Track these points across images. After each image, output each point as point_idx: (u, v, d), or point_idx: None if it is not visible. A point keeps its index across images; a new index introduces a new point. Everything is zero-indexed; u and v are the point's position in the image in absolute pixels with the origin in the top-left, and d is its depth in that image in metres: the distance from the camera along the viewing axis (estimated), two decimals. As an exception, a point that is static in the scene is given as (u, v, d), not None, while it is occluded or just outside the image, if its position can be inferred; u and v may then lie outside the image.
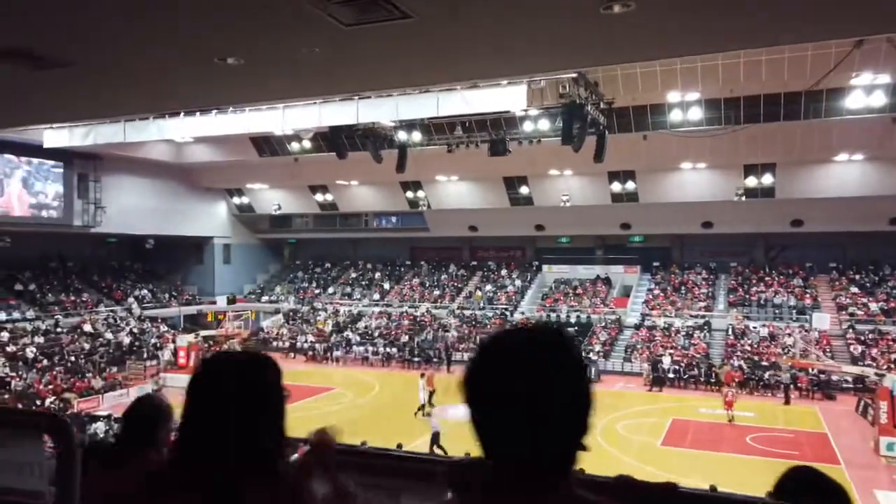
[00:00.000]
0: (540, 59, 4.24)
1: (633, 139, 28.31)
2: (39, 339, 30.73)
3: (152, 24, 3.96)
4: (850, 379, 27.01)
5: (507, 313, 38.00)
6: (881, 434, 19.57)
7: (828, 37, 6.85)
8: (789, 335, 30.84)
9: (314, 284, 45.71)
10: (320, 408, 25.26)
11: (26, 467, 1.89)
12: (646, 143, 28.97)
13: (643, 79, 24.50)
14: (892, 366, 26.40)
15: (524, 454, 1.15)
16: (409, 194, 39.17)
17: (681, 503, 1.80)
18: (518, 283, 40.96)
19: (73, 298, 36.22)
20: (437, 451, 18.38)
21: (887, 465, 18.75)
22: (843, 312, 32.15)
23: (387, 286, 43.57)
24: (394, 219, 44.74)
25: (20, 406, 22.79)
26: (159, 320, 37.84)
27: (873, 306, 32.17)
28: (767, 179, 31.42)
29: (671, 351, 30.84)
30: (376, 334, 37.32)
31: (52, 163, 33.30)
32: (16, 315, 32.29)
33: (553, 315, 36.52)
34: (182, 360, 29.61)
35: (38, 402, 23.97)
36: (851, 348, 29.48)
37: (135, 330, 34.98)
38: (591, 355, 31.81)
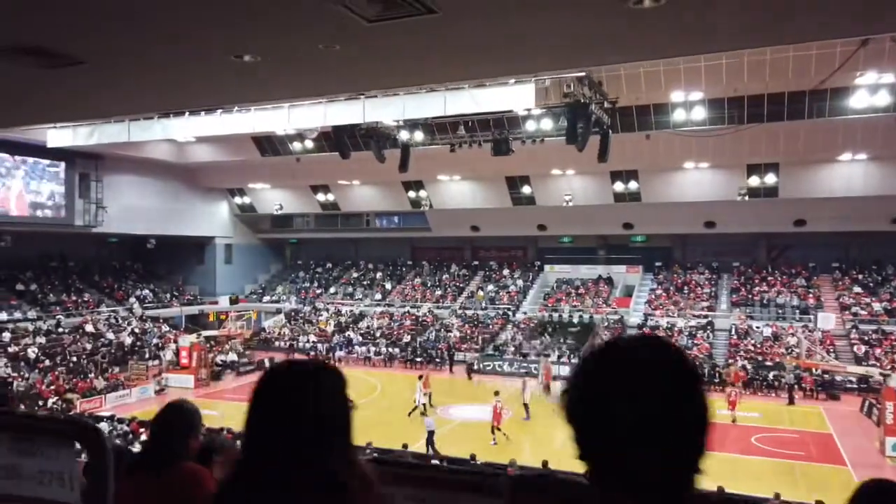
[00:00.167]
0: (566, 56, 4.17)
1: (635, 139, 28.24)
2: (41, 340, 30.65)
3: (166, 21, 3.88)
4: (853, 379, 26.95)
5: (509, 313, 37.92)
6: (887, 434, 19.51)
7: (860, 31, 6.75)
8: (793, 335, 30.78)
9: (315, 284, 45.64)
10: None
11: (57, 477, 1.82)
12: (648, 142, 28.91)
13: (647, 78, 24.45)
14: (897, 366, 26.34)
15: (640, 480, 1.06)
16: (412, 194, 39.10)
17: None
18: (520, 282, 40.89)
19: (74, 298, 36.14)
20: (431, 450, 18.40)
21: (893, 465, 18.68)
22: (847, 312, 32.07)
23: (388, 286, 43.50)
24: (395, 218, 44.69)
25: (23, 407, 22.73)
26: (161, 320, 37.76)
27: (876, 306, 32.11)
28: (770, 179, 31.36)
29: (674, 351, 30.74)
30: (378, 334, 37.24)
31: (53, 162, 33.23)
32: (17, 315, 32.21)
33: (556, 315, 36.43)
34: (184, 361, 29.49)
35: (41, 403, 23.90)
36: (855, 348, 29.42)
37: (136, 330, 34.91)
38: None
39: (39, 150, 31.29)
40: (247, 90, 5.63)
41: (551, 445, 20.59)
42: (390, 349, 34.86)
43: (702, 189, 32.86)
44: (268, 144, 34.41)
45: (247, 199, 44.18)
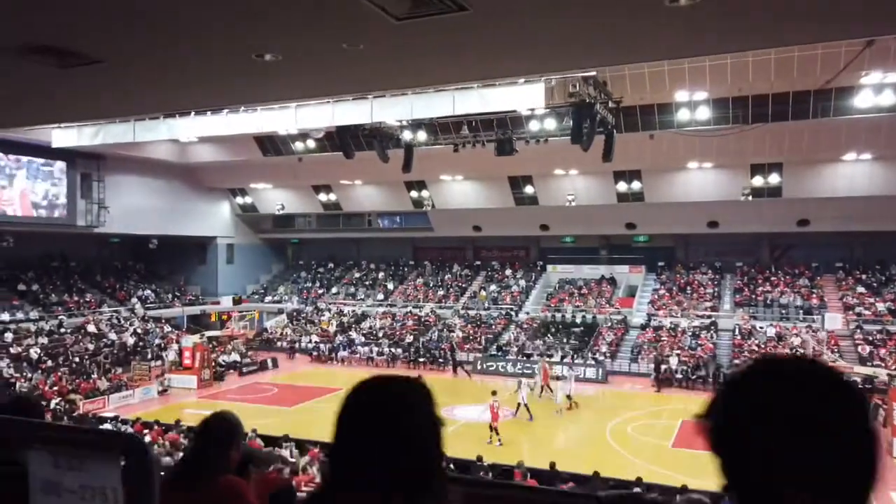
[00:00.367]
0: (596, 53, 4.10)
1: (639, 139, 28.18)
2: (43, 340, 30.58)
3: (187, 20, 3.81)
4: (858, 379, 26.85)
5: (512, 313, 37.86)
6: (894, 435, 19.44)
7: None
8: (797, 335, 30.72)
9: (317, 284, 45.57)
10: (327, 409, 25.10)
11: (100, 493, 1.74)
12: (652, 142, 28.85)
13: (651, 78, 24.39)
14: (902, 366, 26.27)
15: None
16: (414, 194, 39.03)
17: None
18: (522, 282, 40.81)
19: (76, 299, 36.06)
20: None
21: (900, 466, 18.58)
22: (850, 312, 32.00)
23: (390, 286, 43.43)
24: (397, 218, 44.63)
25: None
26: (163, 321, 37.70)
27: (880, 306, 32.03)
28: (774, 179, 31.29)
29: (678, 351, 30.71)
30: (381, 334, 37.16)
31: (55, 162, 33.17)
32: (19, 315, 32.14)
33: (558, 315, 36.37)
34: (187, 361, 29.41)
35: (44, 403, 23.81)
36: (859, 349, 29.34)
37: (139, 330, 34.84)
38: (597, 356, 31.72)
39: (41, 150, 31.25)
40: (266, 90, 5.56)
41: (551, 446, 20.56)
42: (393, 349, 34.78)
43: (705, 189, 32.81)
44: (270, 144, 34.34)
45: (248, 199, 44.11)
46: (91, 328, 33.14)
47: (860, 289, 33.71)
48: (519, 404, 23.21)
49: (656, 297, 36.78)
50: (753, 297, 35.13)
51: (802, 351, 28.78)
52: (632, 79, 24.18)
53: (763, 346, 30.66)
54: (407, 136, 26.08)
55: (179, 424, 19.17)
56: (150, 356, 32.24)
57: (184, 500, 2.22)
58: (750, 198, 32.08)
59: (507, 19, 3.47)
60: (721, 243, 37.92)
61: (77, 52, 4.04)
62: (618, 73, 23.25)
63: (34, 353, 28.87)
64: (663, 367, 29.03)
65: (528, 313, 37.66)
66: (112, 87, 4.97)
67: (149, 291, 40.28)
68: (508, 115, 25.49)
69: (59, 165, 33.39)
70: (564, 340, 33.75)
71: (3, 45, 3.83)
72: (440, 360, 33.24)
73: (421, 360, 33.46)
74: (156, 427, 18.80)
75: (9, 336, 29.60)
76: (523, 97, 18.99)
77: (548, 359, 30.76)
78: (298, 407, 25.39)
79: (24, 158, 31.94)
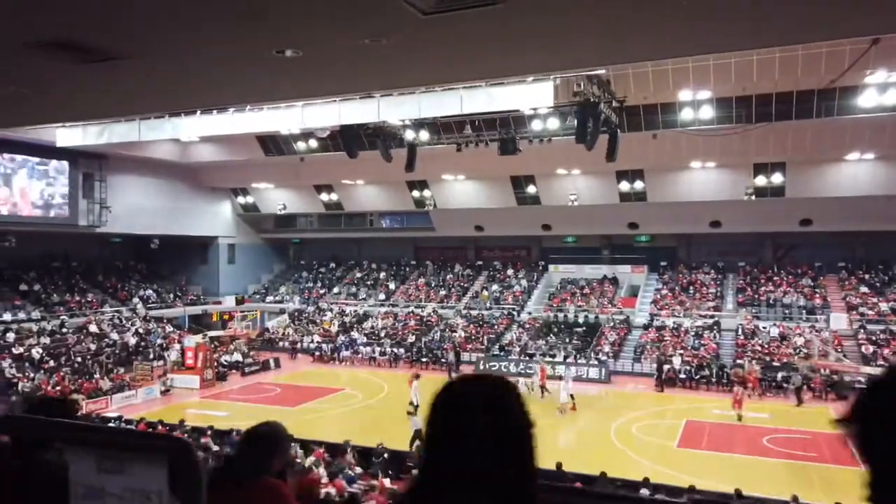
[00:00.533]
0: (628, 49, 4.04)
1: (642, 138, 28.13)
2: (45, 340, 30.51)
3: (209, 14, 3.75)
4: (862, 380, 26.81)
5: (514, 313, 37.80)
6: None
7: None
8: (800, 335, 30.67)
9: (319, 284, 45.50)
10: (331, 409, 25.09)
11: (144, 497, 1.68)
12: (655, 142, 28.79)
13: (655, 77, 24.33)
14: (906, 366, 26.18)
15: None
16: (416, 193, 38.98)
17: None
18: (524, 282, 40.75)
19: (77, 299, 35.99)
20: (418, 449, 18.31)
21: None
22: (854, 312, 31.95)
23: (392, 286, 43.36)
24: (398, 218, 44.56)
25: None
26: (164, 321, 37.62)
27: (883, 306, 31.98)
28: (777, 178, 31.25)
29: (681, 351, 30.65)
30: (383, 335, 37.10)
31: (57, 162, 33.10)
32: (21, 315, 32.07)
33: (561, 315, 36.31)
34: (190, 361, 29.34)
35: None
36: (863, 348, 29.29)
37: (140, 330, 34.77)
38: (600, 356, 31.66)
39: (43, 150, 31.19)
40: (285, 87, 5.49)
41: (555, 446, 20.50)
42: (395, 350, 34.72)
43: (708, 189, 32.77)
44: (272, 144, 34.27)
45: (250, 199, 44.05)
46: (93, 328, 33.06)
47: (863, 289, 33.68)
48: None
49: (658, 296, 36.73)
50: (756, 297, 35.09)
51: (806, 351, 28.75)
52: (635, 78, 24.11)
53: (766, 346, 30.61)
54: (410, 135, 26.01)
55: (183, 424, 19.12)
56: (151, 356, 32.17)
57: (226, 500, 2.18)
58: (753, 197, 32.02)
59: (539, 14, 3.40)
60: (723, 243, 37.89)
61: (97, 48, 3.98)
62: (621, 71, 23.16)
63: (36, 353, 28.80)
64: (666, 367, 28.96)
65: (530, 313, 37.60)
66: (131, 83, 4.91)
67: (150, 291, 40.22)
68: (511, 115, 25.43)
69: (61, 165, 33.32)
70: (567, 340, 33.69)
71: (26, 40, 3.77)
72: (443, 360, 33.16)
73: (423, 360, 33.37)
74: (160, 427, 18.73)
75: (11, 336, 29.53)
76: (532, 96, 18.85)
77: (550, 358, 30.75)
78: (301, 407, 25.32)
79: (26, 158, 31.86)
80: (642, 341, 32.71)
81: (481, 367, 32.13)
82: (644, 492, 13.11)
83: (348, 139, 25.05)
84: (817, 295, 33.94)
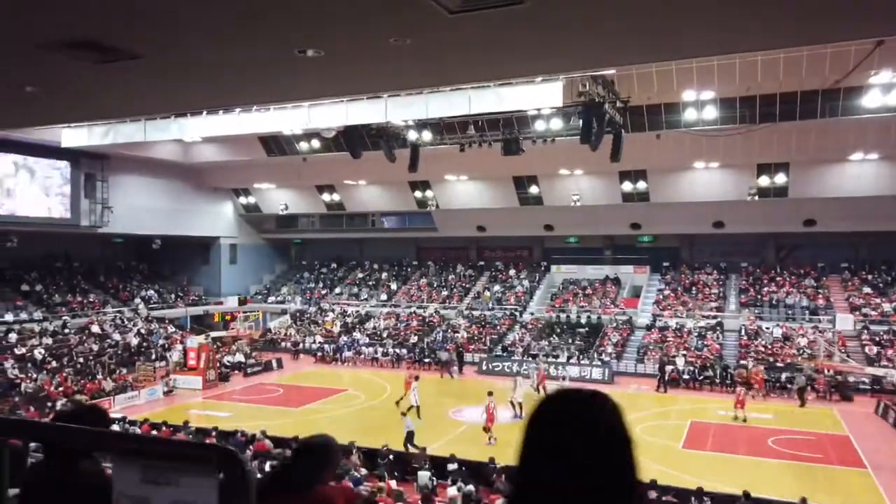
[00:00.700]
0: (651, 48, 3.99)
1: (645, 138, 28.07)
2: (47, 341, 30.45)
3: (230, 14, 3.70)
4: (866, 380, 26.81)
5: (517, 314, 37.76)
6: (905, 436, 19.35)
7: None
8: (803, 336, 30.63)
9: (321, 285, 45.45)
10: (334, 410, 25.03)
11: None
12: (658, 142, 28.71)
13: (659, 77, 24.29)
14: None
15: None
16: (418, 194, 38.94)
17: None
18: (526, 283, 40.70)
19: (79, 299, 35.94)
20: (412, 449, 18.31)
21: (912, 467, 18.48)
22: (857, 313, 31.91)
23: (394, 286, 43.31)
24: (400, 218, 44.51)
25: (32, 409, 22.55)
26: (166, 321, 37.57)
27: (886, 307, 31.94)
28: (781, 179, 31.21)
29: (684, 352, 30.60)
30: (385, 335, 37.05)
31: (59, 163, 33.04)
32: (23, 316, 32.02)
33: (563, 315, 36.26)
34: (192, 362, 29.28)
35: (49, 405, 23.70)
36: (867, 349, 29.24)
37: (142, 331, 34.71)
38: (603, 356, 31.61)
39: (46, 150, 31.15)
40: (305, 86, 5.44)
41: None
42: (397, 350, 34.66)
43: (711, 189, 32.73)
44: (274, 144, 34.22)
45: (252, 199, 44.01)
46: (95, 328, 33.01)
47: (866, 289, 33.63)
48: (513, 403, 23.21)
49: (661, 297, 36.68)
50: (759, 297, 35.03)
51: (810, 352, 28.71)
52: (639, 78, 24.09)
53: (770, 346, 30.56)
54: (413, 135, 25.96)
55: (188, 426, 19.06)
56: (154, 357, 32.11)
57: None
58: (756, 198, 31.98)
59: (565, 13, 3.36)
60: (726, 243, 37.84)
61: (117, 48, 3.93)
62: (625, 72, 23.12)
63: (38, 353, 28.74)
64: (670, 368, 28.91)
65: (532, 314, 37.56)
66: (150, 83, 4.86)
67: (152, 292, 40.16)
68: (514, 115, 25.38)
69: (64, 165, 33.26)
70: (570, 341, 33.64)
71: (44, 39, 3.72)
72: (444, 360, 33.08)
73: (426, 360, 33.32)
74: (164, 428, 18.69)
75: (13, 337, 29.47)
76: (541, 96, 18.79)
77: (554, 358, 30.70)
78: (305, 408, 25.27)
79: (29, 158, 31.81)
80: (645, 342, 32.67)
81: (484, 368, 32.10)
82: (653, 494, 13.07)
83: (352, 139, 24.98)
84: (820, 296, 33.90)
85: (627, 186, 34.20)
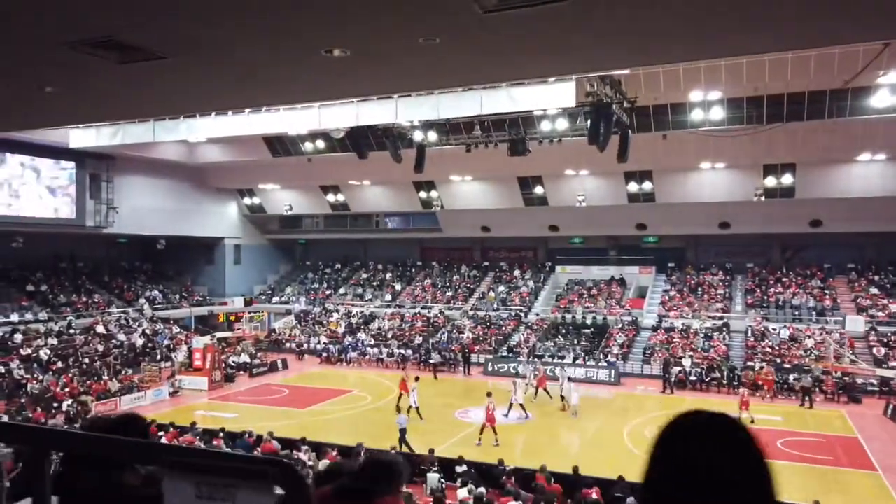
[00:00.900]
0: (695, 46, 3.91)
1: (651, 139, 28.00)
2: (53, 341, 30.45)
3: (257, 13, 3.64)
4: (875, 382, 26.68)
5: (521, 314, 37.67)
6: (915, 438, 19.23)
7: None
8: (810, 337, 30.49)
9: (325, 285, 45.41)
10: (340, 411, 24.97)
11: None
12: (665, 142, 28.67)
13: (666, 77, 24.19)
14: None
15: None
16: (422, 194, 38.89)
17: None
18: (531, 283, 40.62)
19: (84, 299, 35.94)
20: (405, 448, 18.28)
21: (923, 470, 18.37)
22: (864, 314, 31.76)
23: (398, 287, 43.25)
24: (405, 219, 44.45)
25: (39, 409, 22.51)
26: (171, 321, 37.57)
27: (894, 307, 31.78)
28: (787, 179, 31.10)
29: (691, 353, 30.49)
30: (389, 336, 36.99)
31: (64, 163, 33.06)
32: (28, 316, 32.02)
33: (568, 316, 36.17)
34: (198, 363, 29.24)
35: (56, 405, 23.67)
36: (874, 350, 29.10)
37: (147, 331, 34.70)
38: (609, 357, 31.51)
39: (51, 151, 31.17)
40: (330, 87, 5.37)
41: (568, 449, 20.38)
42: (402, 351, 34.59)
43: (717, 189, 32.64)
44: (279, 145, 34.20)
45: (256, 200, 44.00)
46: (100, 329, 33.01)
47: (873, 290, 33.47)
48: (511, 404, 23.19)
49: (667, 298, 36.56)
50: (765, 298, 34.90)
51: (817, 353, 28.58)
52: (646, 78, 23.98)
53: (776, 347, 30.44)
54: (419, 136, 25.89)
55: (195, 427, 19.01)
56: (159, 357, 32.11)
57: None
58: (762, 198, 31.87)
59: (606, 11, 3.29)
60: (732, 244, 37.72)
61: (140, 48, 3.87)
62: (633, 72, 23.04)
63: (44, 354, 28.74)
64: (677, 369, 28.80)
65: (537, 314, 37.47)
66: (173, 84, 4.80)
67: (156, 292, 40.16)
68: (520, 116, 25.31)
69: (69, 166, 33.26)
70: (575, 342, 33.56)
71: (64, 39, 3.66)
72: (451, 361, 33.05)
73: (431, 361, 33.24)
74: (171, 429, 18.64)
75: (18, 337, 29.48)
76: (553, 96, 18.68)
77: (559, 359, 30.60)
78: (311, 409, 25.21)
79: (35, 159, 31.82)
80: (651, 343, 32.56)
81: (490, 369, 32.02)
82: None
83: (357, 140, 24.93)
84: (827, 296, 33.75)
85: (633, 187, 34.12)
